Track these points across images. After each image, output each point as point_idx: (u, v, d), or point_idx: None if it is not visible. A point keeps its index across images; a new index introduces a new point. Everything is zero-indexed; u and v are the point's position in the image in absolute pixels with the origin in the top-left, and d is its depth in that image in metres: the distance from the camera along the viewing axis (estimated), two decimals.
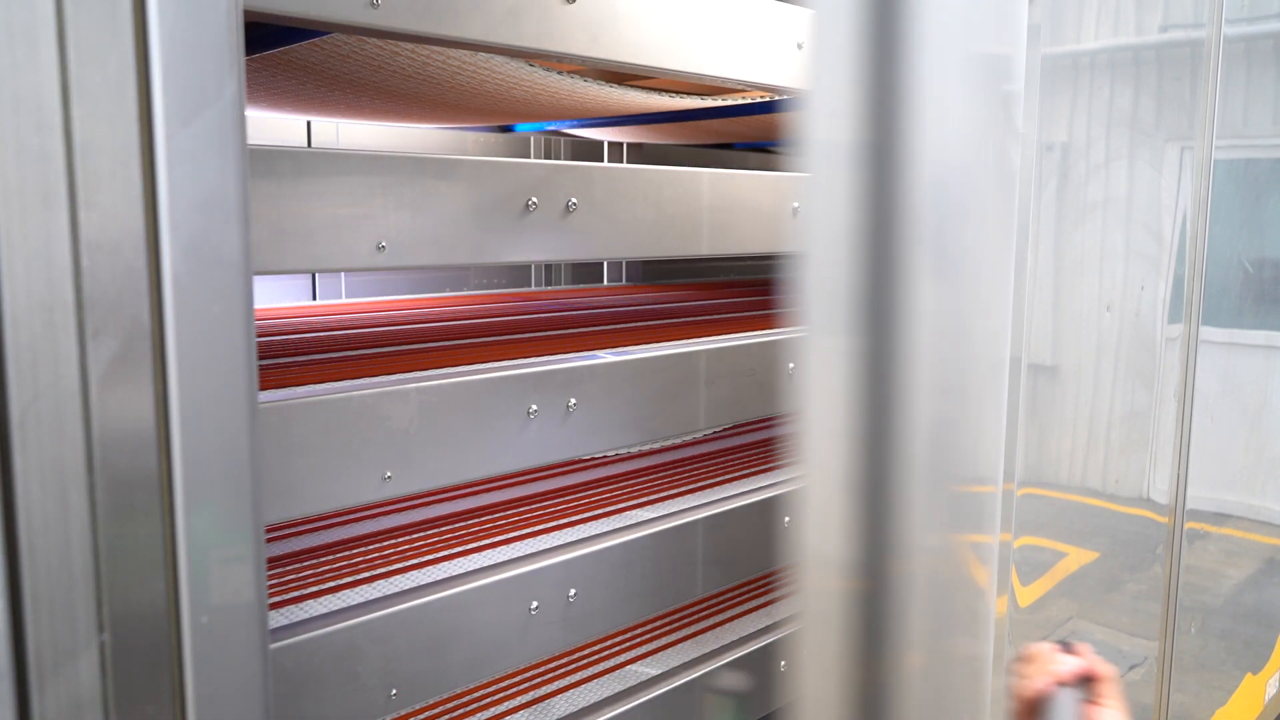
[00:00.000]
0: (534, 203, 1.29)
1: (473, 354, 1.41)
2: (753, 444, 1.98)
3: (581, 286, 2.70)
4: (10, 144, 0.57)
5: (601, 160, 2.87)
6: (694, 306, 2.11)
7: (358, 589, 1.21)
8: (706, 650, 1.53)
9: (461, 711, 1.33)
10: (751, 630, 1.61)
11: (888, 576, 0.74)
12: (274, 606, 1.15)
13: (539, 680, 1.42)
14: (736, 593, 1.76)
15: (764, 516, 1.59)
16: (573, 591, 1.31)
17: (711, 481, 1.70)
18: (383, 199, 1.14)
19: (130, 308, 0.63)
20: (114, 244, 0.62)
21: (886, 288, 0.69)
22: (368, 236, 1.13)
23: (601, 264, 2.90)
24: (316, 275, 2.45)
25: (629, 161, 2.89)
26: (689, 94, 1.77)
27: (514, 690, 1.39)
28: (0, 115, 0.57)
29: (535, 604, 1.26)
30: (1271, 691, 1.32)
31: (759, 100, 1.82)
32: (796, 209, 1.72)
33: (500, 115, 2.07)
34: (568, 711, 1.34)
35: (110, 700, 0.64)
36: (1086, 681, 0.73)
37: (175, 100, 0.64)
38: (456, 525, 1.46)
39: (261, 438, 0.74)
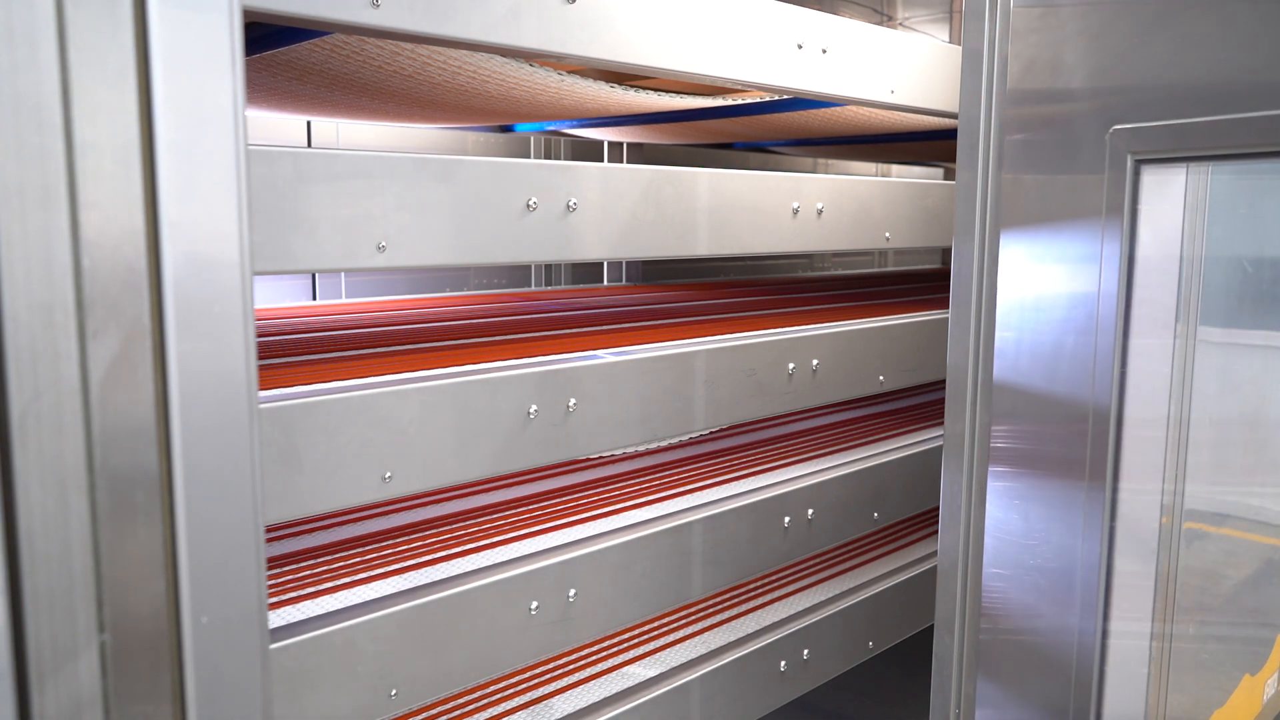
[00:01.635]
0: (534, 203, 1.29)
1: (473, 354, 1.41)
2: (752, 444, 1.98)
3: (581, 286, 2.70)
4: (10, 144, 0.58)
5: (601, 160, 2.87)
6: (694, 306, 2.11)
7: (358, 589, 1.21)
8: (706, 650, 1.54)
9: (461, 711, 1.33)
10: (751, 630, 1.61)
11: None
12: (274, 606, 1.15)
13: (539, 680, 1.42)
14: (736, 593, 1.76)
15: (764, 516, 1.59)
16: (572, 591, 1.31)
17: (711, 481, 1.70)
18: (383, 199, 1.14)
19: (130, 308, 0.63)
20: (114, 244, 0.62)
21: None
22: (368, 236, 1.13)
23: (601, 264, 2.90)
24: (316, 275, 2.45)
25: (629, 161, 2.89)
26: (689, 94, 1.77)
27: (514, 690, 1.39)
28: (0, 115, 0.57)
29: (535, 604, 1.26)
30: (1270, 692, 1.32)
31: (759, 100, 1.82)
32: (796, 209, 1.72)
33: (500, 115, 2.07)
34: (568, 711, 1.34)
35: (110, 700, 0.64)
36: None
37: (175, 100, 0.64)
38: (456, 525, 1.46)
39: (261, 437, 0.74)
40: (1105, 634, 1.01)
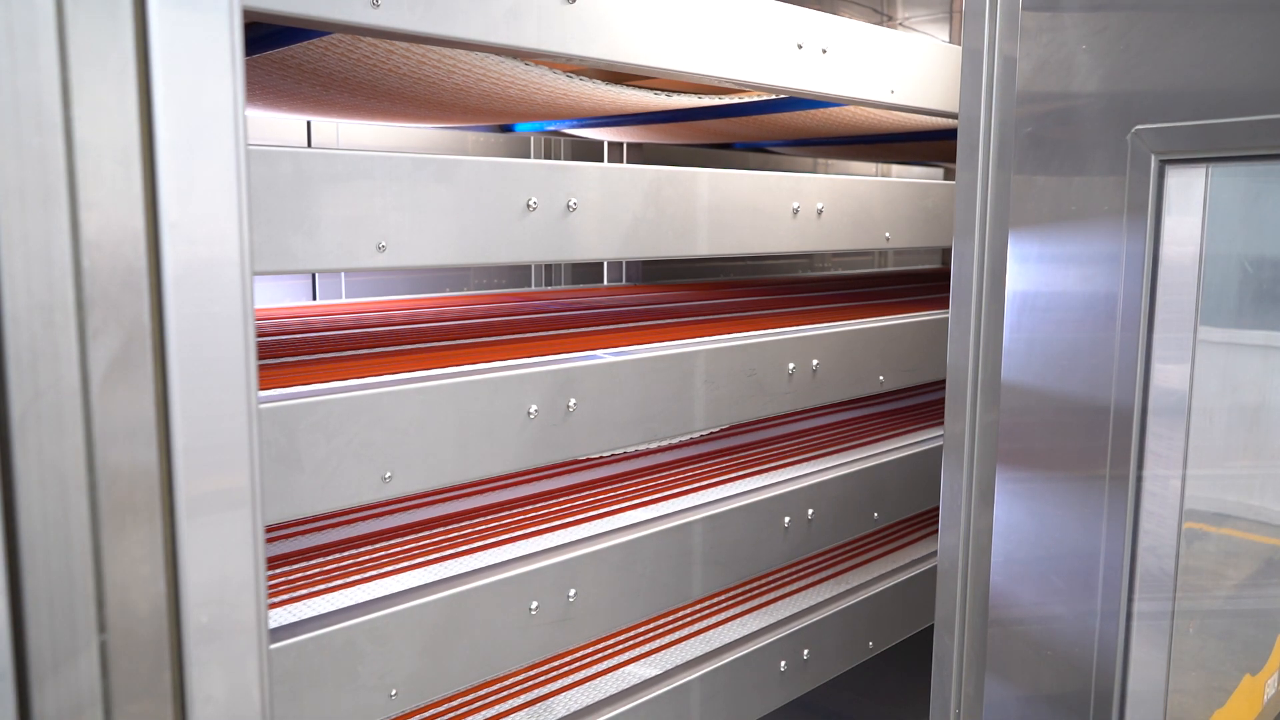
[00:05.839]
0: (534, 203, 1.29)
1: (473, 354, 1.41)
2: (753, 444, 1.98)
3: (581, 286, 2.70)
4: (10, 144, 0.57)
5: (601, 160, 2.87)
6: (694, 306, 2.11)
7: (357, 589, 1.21)
8: (706, 650, 1.54)
9: (461, 711, 1.33)
10: (751, 630, 1.61)
11: None
12: (274, 606, 1.15)
13: (539, 680, 1.42)
14: (736, 593, 1.76)
15: (764, 516, 1.59)
16: (573, 591, 1.31)
17: (711, 481, 1.70)
18: (383, 199, 1.14)
19: (130, 308, 0.63)
20: (114, 244, 0.62)
21: None
22: (368, 236, 1.13)
23: (601, 264, 2.90)
24: (316, 275, 2.45)
25: (629, 161, 2.89)
26: (689, 94, 1.77)
27: (514, 690, 1.39)
28: (0, 115, 0.57)
29: (535, 604, 1.26)
30: (1270, 692, 1.32)
31: (759, 100, 1.82)
32: (796, 209, 1.72)
33: (500, 115, 2.07)
34: (568, 711, 1.34)
35: (110, 700, 0.64)
36: None
37: (175, 100, 0.64)
38: (456, 525, 1.46)
39: (261, 437, 0.74)
40: (1129, 631, 1.01)
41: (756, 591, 1.77)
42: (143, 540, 0.65)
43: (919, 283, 2.87)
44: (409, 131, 2.54)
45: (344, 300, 2.39)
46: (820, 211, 1.76)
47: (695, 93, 1.77)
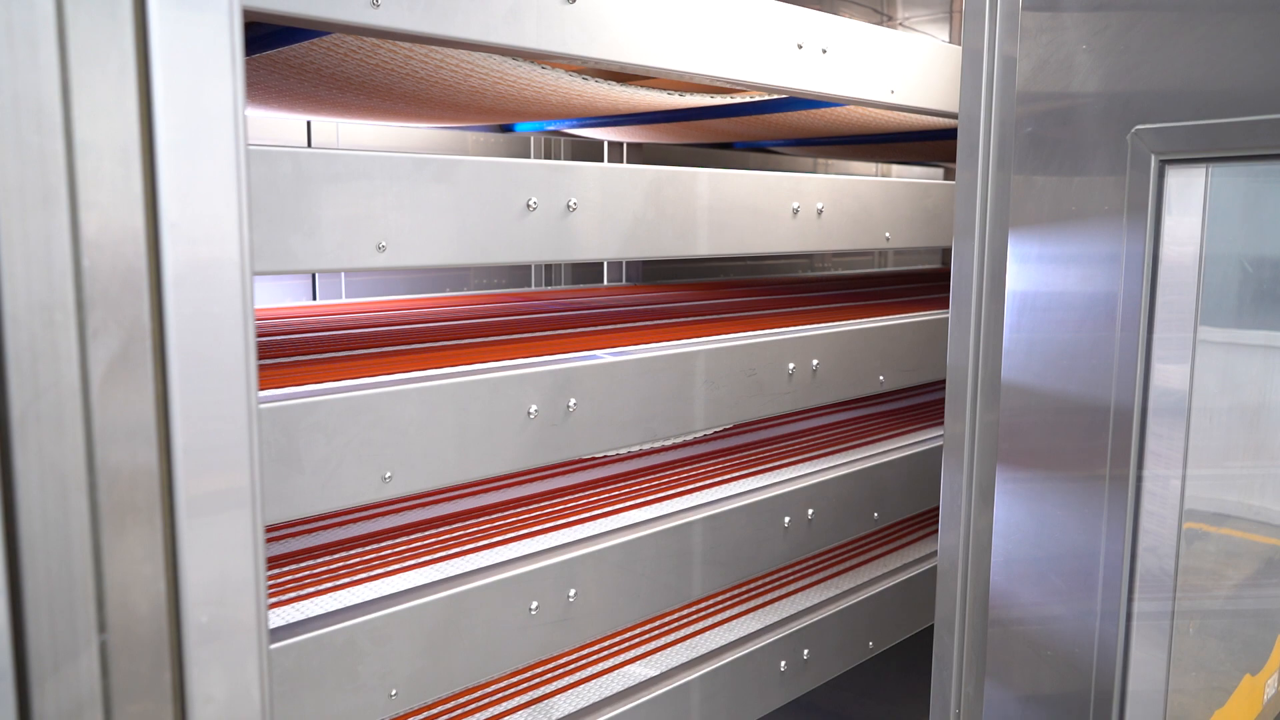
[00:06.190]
0: (534, 203, 1.29)
1: (473, 354, 1.41)
2: (752, 444, 1.98)
3: (581, 286, 2.70)
4: (10, 144, 0.58)
5: (601, 160, 2.87)
6: (694, 306, 2.11)
7: (358, 589, 1.21)
8: (706, 650, 1.54)
9: (461, 711, 1.33)
10: (751, 630, 1.61)
11: None
12: (274, 606, 1.15)
13: (539, 680, 1.42)
14: (736, 593, 1.76)
15: (764, 516, 1.59)
16: (573, 591, 1.31)
17: (711, 481, 1.70)
18: (383, 199, 1.14)
19: (130, 308, 0.63)
20: (114, 244, 0.62)
21: None
22: (368, 236, 1.13)
23: (601, 264, 2.90)
24: (316, 275, 2.45)
25: (629, 161, 2.89)
26: (700, 93, 1.77)
27: (514, 690, 1.39)
28: (0, 115, 0.57)
29: (535, 604, 1.26)
30: (1270, 692, 1.32)
31: (759, 100, 1.82)
32: (796, 209, 1.72)
33: (500, 115, 2.08)
34: (568, 711, 1.34)
35: (110, 700, 0.64)
36: None
37: (175, 100, 0.64)
38: (456, 525, 1.46)
39: (261, 437, 0.74)
40: (1129, 631, 1.01)
41: (756, 591, 1.77)
42: (143, 540, 0.65)
43: (919, 283, 2.87)
44: (409, 131, 2.54)
45: (344, 300, 2.39)
46: (820, 211, 1.76)
47: (706, 92, 1.78)
